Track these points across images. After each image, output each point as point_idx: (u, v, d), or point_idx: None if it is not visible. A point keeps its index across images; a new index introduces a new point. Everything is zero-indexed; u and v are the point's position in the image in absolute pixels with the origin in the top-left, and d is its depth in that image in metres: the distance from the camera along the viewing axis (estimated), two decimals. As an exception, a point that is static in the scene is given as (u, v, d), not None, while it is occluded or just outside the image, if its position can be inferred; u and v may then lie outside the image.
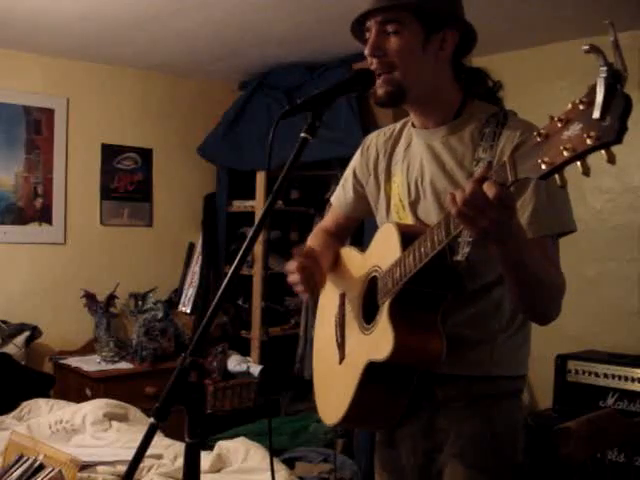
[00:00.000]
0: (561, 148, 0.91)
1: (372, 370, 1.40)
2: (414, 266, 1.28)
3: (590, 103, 0.88)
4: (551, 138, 0.93)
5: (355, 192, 1.67)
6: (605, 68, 0.86)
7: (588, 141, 0.87)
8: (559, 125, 0.92)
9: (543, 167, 0.94)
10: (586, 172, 0.90)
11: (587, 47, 0.90)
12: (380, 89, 1.39)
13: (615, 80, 0.86)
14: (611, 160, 0.87)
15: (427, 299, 1.35)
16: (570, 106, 0.91)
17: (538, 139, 0.95)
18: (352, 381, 1.44)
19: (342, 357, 1.56)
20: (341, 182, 1.73)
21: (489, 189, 1.04)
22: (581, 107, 0.89)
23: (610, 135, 0.85)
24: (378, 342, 1.37)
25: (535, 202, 1.30)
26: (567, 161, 0.91)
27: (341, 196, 1.71)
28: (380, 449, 1.59)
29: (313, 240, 1.76)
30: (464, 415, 1.42)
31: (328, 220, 1.80)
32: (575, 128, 0.90)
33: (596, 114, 0.86)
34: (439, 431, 1.44)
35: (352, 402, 1.45)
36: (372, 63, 1.39)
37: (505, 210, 1.06)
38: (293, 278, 1.59)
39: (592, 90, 0.88)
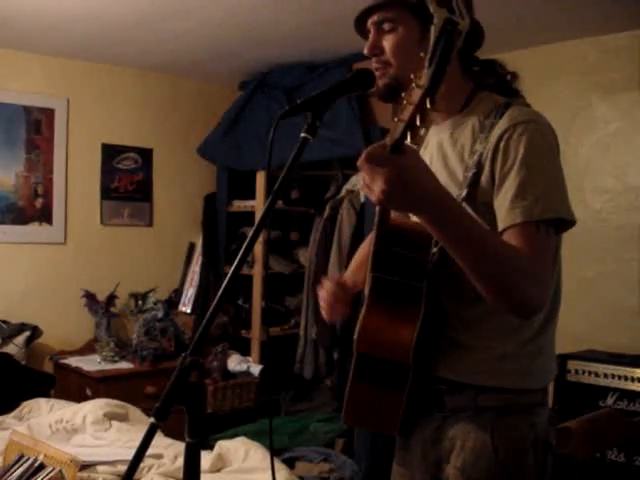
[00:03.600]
0: (408, 105, 0.93)
1: (361, 364, 1.38)
2: (373, 250, 1.30)
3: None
4: (409, 100, 0.95)
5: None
6: (437, 15, 0.88)
7: (419, 91, 0.90)
8: (414, 85, 0.94)
9: (400, 125, 0.96)
10: (422, 124, 0.92)
11: None
12: (379, 82, 1.40)
13: (451, 26, 0.87)
14: (435, 109, 0.89)
15: (402, 290, 1.33)
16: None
17: (404, 101, 0.97)
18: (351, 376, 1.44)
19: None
20: None
21: (367, 153, 1.05)
22: (425, 63, 0.91)
23: (426, 80, 0.87)
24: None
25: (516, 188, 1.24)
26: (411, 116, 0.92)
27: None
28: (397, 452, 1.57)
29: (362, 249, 1.75)
30: (469, 426, 1.37)
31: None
32: (420, 83, 0.92)
33: (426, 63, 0.89)
34: (447, 440, 1.41)
35: (348, 398, 1.43)
36: (372, 61, 1.40)
37: (390, 173, 1.03)
38: (322, 304, 1.58)
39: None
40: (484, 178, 1.31)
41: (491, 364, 1.37)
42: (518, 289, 1.18)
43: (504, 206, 1.25)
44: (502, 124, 1.30)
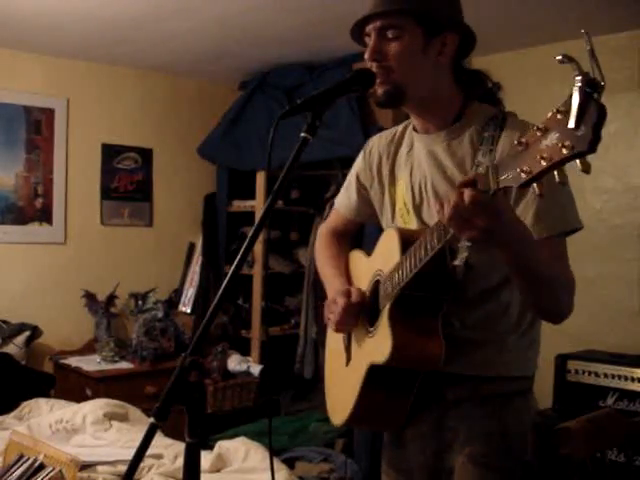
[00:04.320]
0: (539, 157, 0.92)
1: (374, 372, 1.42)
2: (410, 271, 1.30)
3: (567, 112, 0.88)
4: (531, 147, 0.94)
5: (359, 195, 1.66)
6: (580, 77, 0.86)
7: (563, 151, 0.88)
8: (539, 134, 0.93)
9: (523, 176, 0.95)
10: (562, 181, 0.91)
11: (560, 57, 0.91)
12: (379, 89, 1.39)
13: (591, 89, 0.86)
14: (586, 170, 0.87)
15: (425, 303, 1.36)
16: (549, 115, 0.92)
17: (519, 148, 0.96)
18: (356, 383, 1.46)
19: (349, 359, 1.58)
20: (344, 185, 1.72)
21: (472, 198, 1.05)
22: (559, 116, 0.89)
23: (583, 145, 0.86)
24: (378, 345, 1.39)
25: (537, 204, 1.30)
26: (544, 171, 0.92)
27: (345, 200, 1.71)
28: (388, 449, 1.59)
29: (324, 246, 1.75)
30: (474, 414, 1.43)
31: (332, 222, 1.79)
32: (553, 137, 0.90)
33: (571, 124, 0.87)
34: (449, 430, 1.45)
35: (356, 404, 1.46)
36: (372, 67, 1.39)
37: (491, 216, 1.07)
38: (330, 316, 1.56)
39: (569, 99, 0.88)
40: None
41: (491, 356, 1.43)
42: (562, 305, 1.33)
43: (527, 222, 1.30)
44: (509, 137, 1.32)
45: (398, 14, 1.36)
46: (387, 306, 1.39)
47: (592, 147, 0.85)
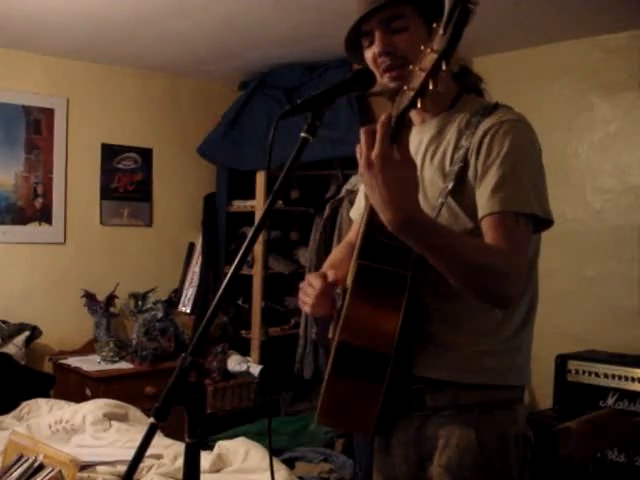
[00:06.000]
0: (420, 71, 0.95)
1: (341, 357, 1.36)
2: (361, 240, 1.30)
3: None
4: (422, 67, 0.97)
5: (367, 200, 1.67)
6: None
7: (434, 56, 0.91)
8: (427, 52, 0.95)
9: (410, 94, 0.98)
10: (435, 87, 0.94)
11: None
12: (394, 83, 1.37)
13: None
14: (452, 69, 0.91)
15: (387, 279, 1.33)
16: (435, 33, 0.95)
17: (418, 72, 0.98)
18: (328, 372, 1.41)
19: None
20: (357, 196, 1.74)
21: (365, 138, 1.11)
22: (440, 31, 0.92)
23: (444, 43, 0.89)
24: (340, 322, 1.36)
25: (497, 179, 1.27)
26: (423, 82, 0.94)
27: (356, 209, 1.72)
28: (377, 455, 1.55)
29: (336, 252, 1.75)
30: (452, 424, 1.38)
31: (351, 235, 1.78)
32: (435, 48, 0.93)
33: (441, 30, 0.90)
34: (429, 440, 1.41)
35: (325, 394, 1.40)
36: (383, 62, 1.37)
37: (381, 159, 1.12)
38: (305, 299, 1.54)
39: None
40: (470, 172, 1.32)
41: (472, 361, 1.37)
42: (495, 288, 1.22)
43: (484, 195, 1.28)
44: (489, 121, 1.33)
45: (400, 4, 1.35)
46: (351, 281, 1.36)
47: (451, 43, 0.88)
